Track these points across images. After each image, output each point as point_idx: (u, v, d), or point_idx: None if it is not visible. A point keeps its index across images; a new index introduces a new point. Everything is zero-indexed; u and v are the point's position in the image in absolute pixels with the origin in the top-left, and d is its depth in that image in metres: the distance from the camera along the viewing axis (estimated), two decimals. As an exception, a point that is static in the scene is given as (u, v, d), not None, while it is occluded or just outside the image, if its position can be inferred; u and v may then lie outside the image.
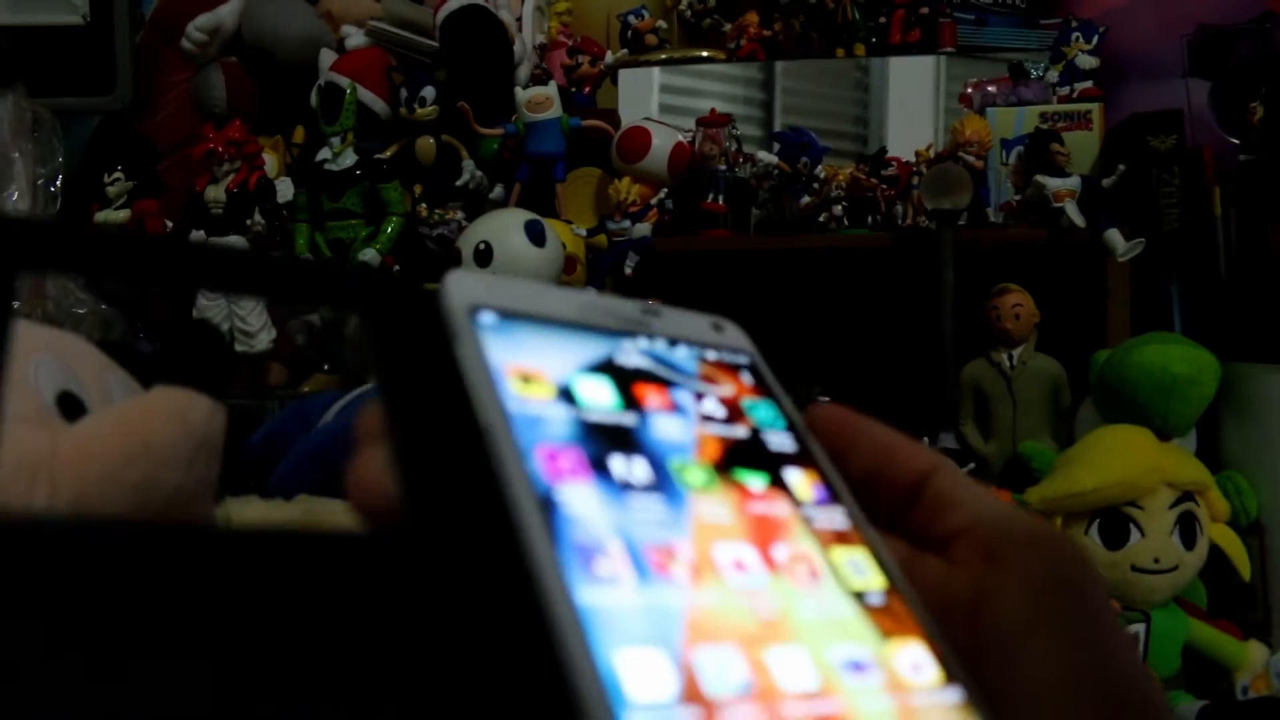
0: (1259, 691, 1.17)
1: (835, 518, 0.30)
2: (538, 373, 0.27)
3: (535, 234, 1.41)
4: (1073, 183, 1.40)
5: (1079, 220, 1.38)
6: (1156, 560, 1.16)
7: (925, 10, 1.66)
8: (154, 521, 0.20)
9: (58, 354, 0.81)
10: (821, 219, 1.54)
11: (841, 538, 0.29)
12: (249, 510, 1.05)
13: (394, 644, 0.21)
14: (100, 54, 1.66)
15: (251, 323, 1.49)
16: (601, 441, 0.27)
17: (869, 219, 1.53)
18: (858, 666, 0.26)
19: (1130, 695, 0.27)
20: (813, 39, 1.70)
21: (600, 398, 0.28)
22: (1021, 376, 1.40)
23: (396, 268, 1.50)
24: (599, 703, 0.21)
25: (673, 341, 0.32)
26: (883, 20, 1.68)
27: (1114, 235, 1.37)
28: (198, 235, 1.52)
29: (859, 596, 0.28)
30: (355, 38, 1.68)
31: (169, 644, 0.18)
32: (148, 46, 1.82)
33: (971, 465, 1.34)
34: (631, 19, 1.75)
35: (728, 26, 1.74)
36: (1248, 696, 1.17)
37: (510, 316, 0.28)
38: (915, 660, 0.27)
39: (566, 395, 0.27)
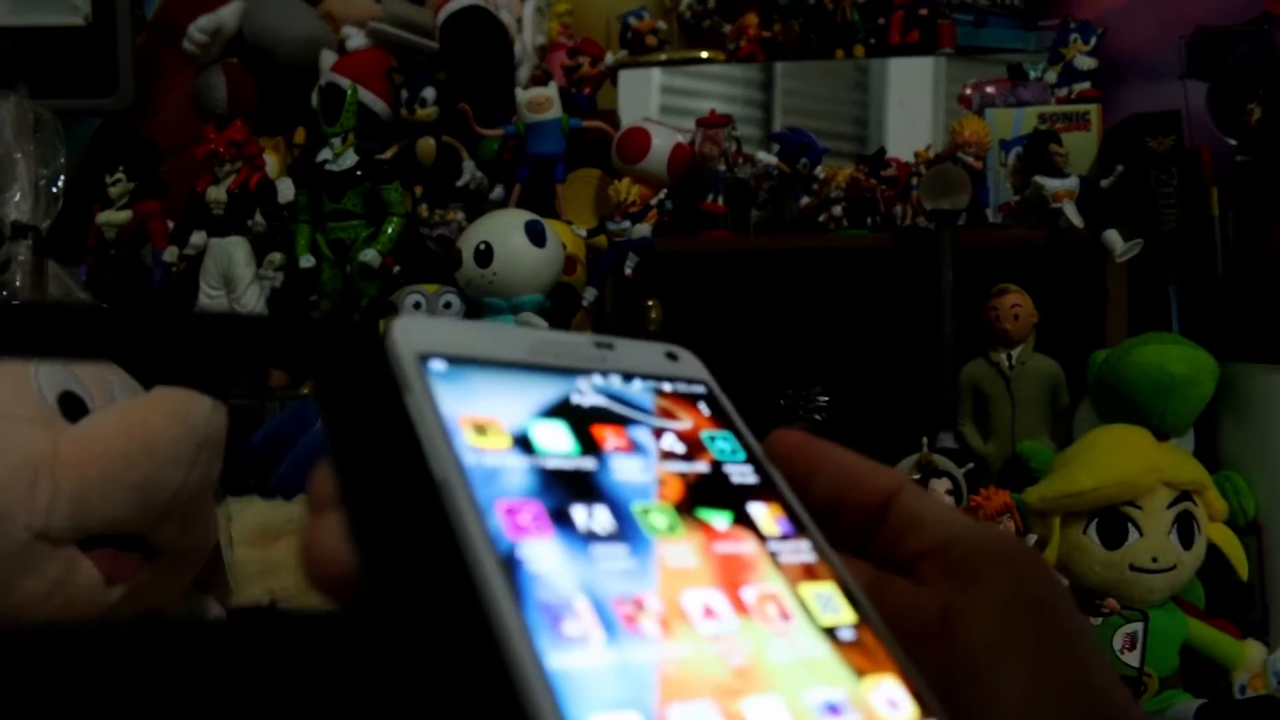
0: (1256, 690, 1.17)
1: (801, 551, 0.29)
2: (492, 421, 0.26)
3: (535, 234, 1.41)
4: (1071, 183, 1.40)
5: (1077, 221, 1.38)
6: (1155, 559, 1.16)
7: (924, 11, 1.66)
8: (118, 623, 0.19)
9: (60, 354, 0.81)
10: (821, 219, 1.54)
11: (809, 572, 0.29)
12: (250, 509, 1.06)
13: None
14: (102, 55, 1.66)
15: (252, 323, 1.50)
16: (562, 491, 0.26)
17: (868, 219, 1.53)
18: (834, 710, 0.25)
19: (1103, 709, 0.27)
20: (812, 40, 1.70)
21: (558, 443, 0.27)
22: (1020, 376, 1.40)
23: (397, 268, 1.50)
24: None
25: (628, 376, 0.31)
26: (882, 21, 1.68)
27: (1112, 236, 1.37)
28: (199, 236, 1.52)
29: (830, 633, 0.27)
30: (356, 39, 1.68)
31: None
32: (149, 47, 1.82)
33: (970, 465, 1.34)
34: (631, 20, 1.75)
35: (727, 27, 1.75)
36: (1245, 695, 1.18)
37: (461, 362, 0.27)
38: (891, 696, 0.26)
39: (523, 443, 0.26)
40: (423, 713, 0.21)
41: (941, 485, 1.26)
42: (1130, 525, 1.16)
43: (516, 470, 0.25)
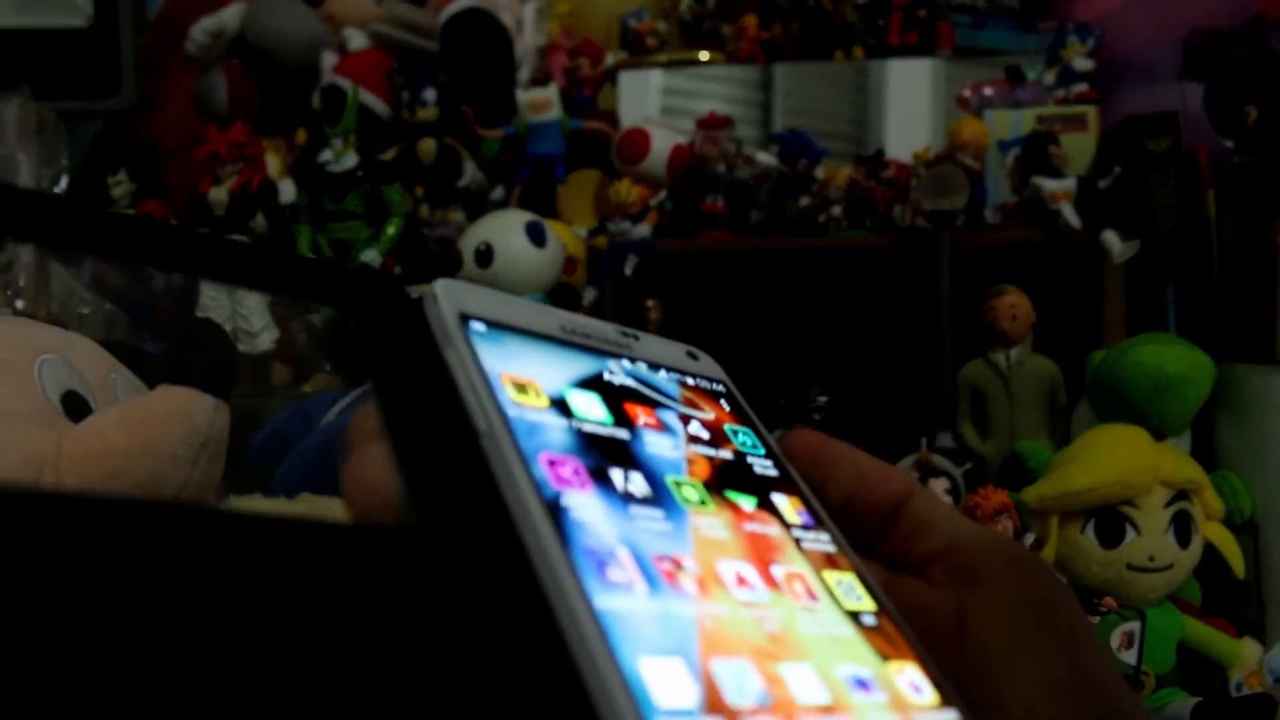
0: (1253, 688, 1.18)
1: (822, 542, 0.30)
2: (531, 382, 0.26)
3: (536, 235, 1.41)
4: (1069, 184, 1.41)
5: (1075, 222, 1.39)
6: (1152, 558, 1.16)
7: (923, 13, 1.66)
8: (165, 502, 0.19)
9: (62, 353, 0.81)
10: (820, 220, 1.54)
11: (831, 560, 0.29)
12: (252, 509, 1.06)
13: (412, 644, 0.20)
14: (104, 56, 1.67)
15: (254, 322, 1.50)
16: (599, 453, 0.26)
17: (867, 220, 1.53)
18: (863, 684, 0.26)
19: (1111, 704, 0.28)
20: (811, 41, 1.71)
21: (594, 411, 0.27)
22: (1018, 376, 1.41)
23: (397, 269, 1.50)
24: (628, 710, 0.20)
25: (653, 365, 0.31)
26: (881, 23, 1.68)
27: (1110, 236, 1.38)
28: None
29: (855, 617, 0.28)
30: (357, 40, 1.68)
31: (177, 628, 0.17)
32: (151, 49, 1.83)
33: (968, 465, 1.35)
34: (631, 21, 1.75)
35: (727, 29, 1.75)
36: (1242, 693, 1.18)
37: (498, 328, 0.27)
38: (913, 681, 0.27)
39: (561, 406, 0.27)
40: (470, 635, 0.21)
41: (940, 485, 1.26)
42: (1127, 524, 1.17)
43: (556, 428, 0.26)
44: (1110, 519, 1.17)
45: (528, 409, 0.26)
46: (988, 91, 1.58)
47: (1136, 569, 1.17)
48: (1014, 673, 0.28)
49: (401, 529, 0.23)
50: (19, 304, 1.35)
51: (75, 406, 0.81)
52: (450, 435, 0.24)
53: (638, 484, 0.26)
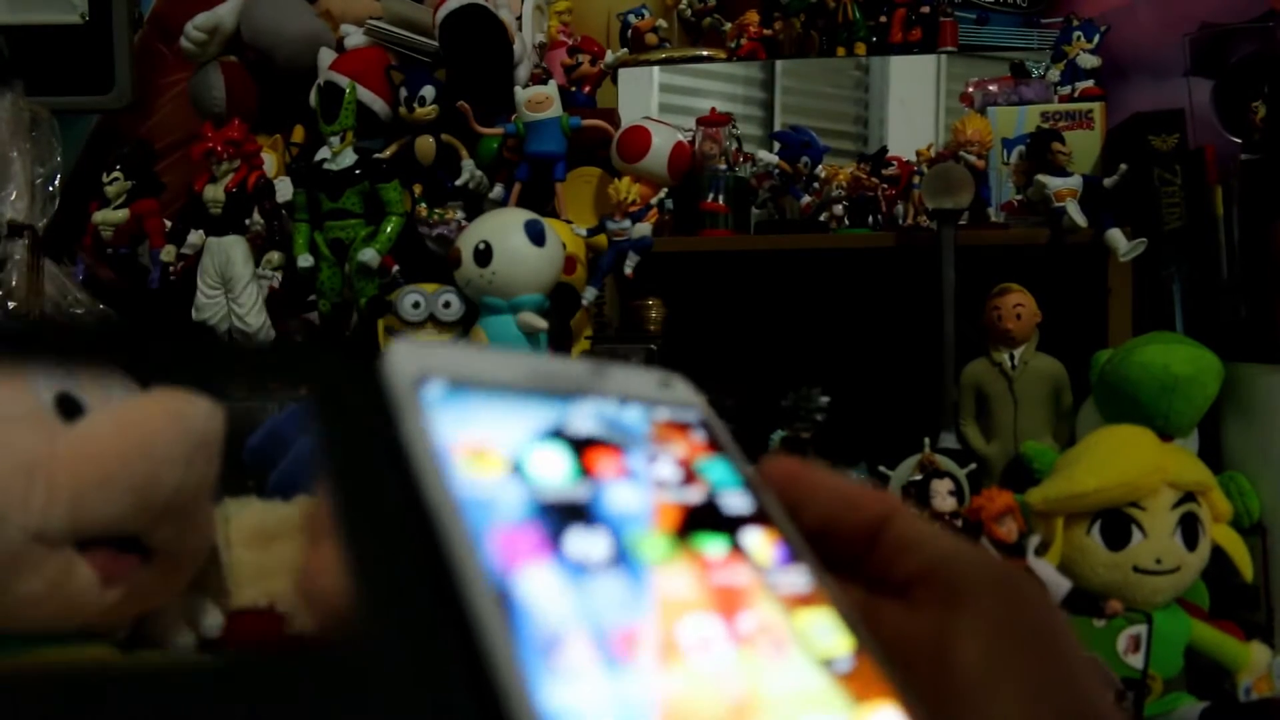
0: (1261, 693, 1.17)
1: (797, 579, 0.29)
2: (488, 447, 0.26)
3: (535, 234, 1.40)
4: (1074, 182, 1.40)
5: (1080, 220, 1.38)
6: (1159, 561, 1.15)
7: (926, 9, 1.65)
8: (110, 665, 0.20)
9: (55, 354, 0.80)
10: (822, 219, 1.53)
11: (805, 600, 0.29)
12: (247, 510, 1.05)
13: None
14: (99, 53, 1.66)
15: (250, 323, 1.49)
16: (557, 518, 0.26)
17: (870, 219, 1.52)
18: None
19: None
20: (813, 38, 1.70)
21: (553, 470, 0.27)
22: (1023, 376, 1.40)
23: (396, 267, 1.49)
24: None
25: (623, 400, 0.31)
26: (883, 19, 1.67)
27: (1116, 235, 1.37)
28: (197, 235, 1.51)
29: (827, 663, 0.27)
30: (355, 37, 1.67)
31: None
32: (146, 46, 1.82)
33: (973, 465, 1.34)
34: (631, 18, 1.74)
35: (728, 26, 1.74)
36: (1250, 698, 1.17)
37: (458, 385, 0.27)
38: None
39: (518, 470, 0.26)
40: None
41: (943, 486, 1.26)
42: (1134, 526, 1.16)
43: (511, 499, 0.25)
44: (1116, 521, 1.16)
45: (482, 480, 0.25)
46: (992, 88, 1.57)
47: (1143, 571, 1.16)
48: (995, 698, 0.27)
49: (341, 647, 0.22)
50: (12, 304, 1.34)
51: (69, 408, 0.80)
52: (407, 517, 0.24)
53: (597, 547, 0.26)
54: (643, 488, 0.29)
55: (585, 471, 0.28)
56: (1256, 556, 1.24)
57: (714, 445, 0.32)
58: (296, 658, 0.22)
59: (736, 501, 0.30)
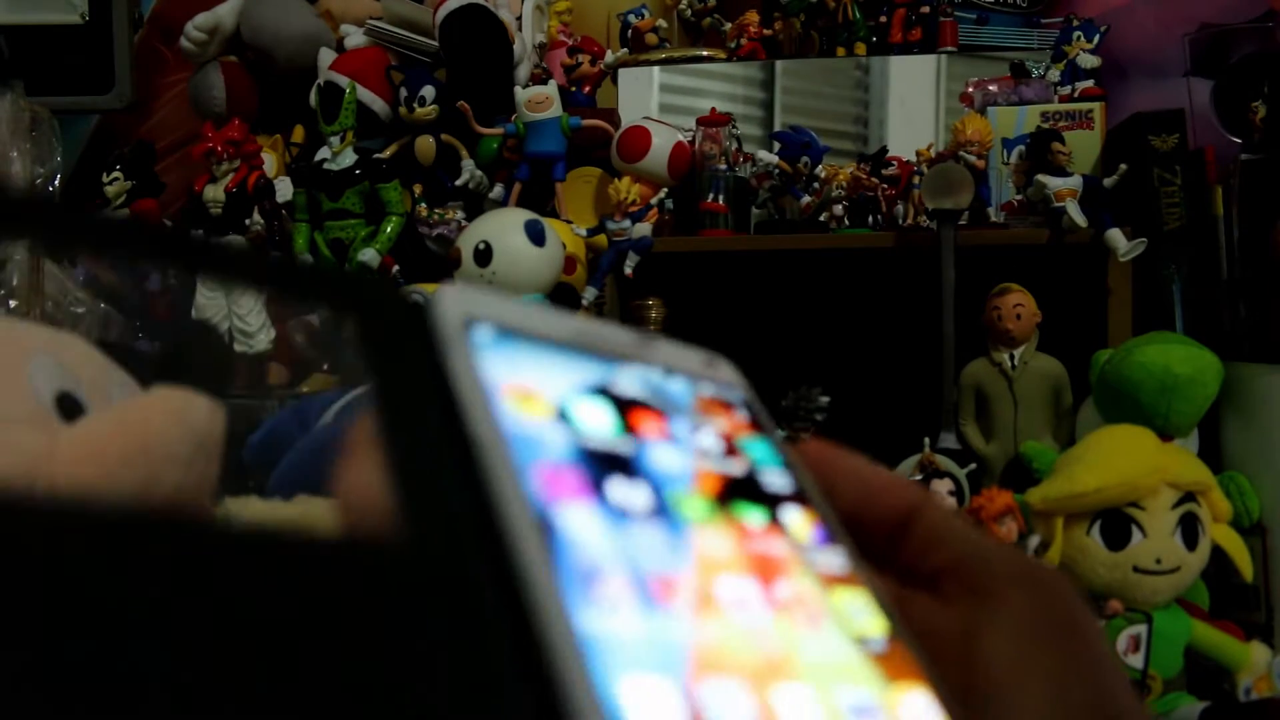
0: (1262, 693, 1.17)
1: (834, 560, 0.29)
2: (534, 391, 0.26)
3: (535, 234, 1.40)
4: (1074, 182, 1.39)
5: (1080, 220, 1.38)
6: (1158, 561, 1.15)
7: (926, 9, 1.65)
8: (150, 510, 0.19)
9: (56, 354, 0.80)
10: (822, 219, 1.53)
11: (842, 580, 0.29)
12: (248, 511, 1.05)
13: (386, 660, 0.20)
14: (99, 53, 1.66)
15: (250, 322, 1.49)
16: (599, 466, 0.26)
17: (869, 219, 1.52)
18: (863, 710, 0.25)
19: None
20: (813, 38, 1.70)
21: (598, 422, 0.27)
22: (1023, 376, 1.40)
23: (396, 267, 1.49)
24: None
25: (668, 373, 0.31)
26: (883, 19, 1.67)
27: (1116, 235, 1.37)
28: (197, 235, 1.51)
29: (861, 641, 0.27)
30: (355, 37, 1.67)
31: (153, 640, 0.17)
32: (146, 46, 1.82)
33: (972, 465, 1.34)
34: (631, 18, 1.74)
35: (728, 26, 1.74)
36: (1250, 698, 1.17)
37: (506, 333, 0.27)
38: (919, 706, 0.26)
39: (563, 416, 0.26)
40: (446, 653, 0.21)
41: (943, 486, 1.25)
42: (1134, 526, 1.16)
43: (555, 440, 0.25)
44: (1116, 521, 1.16)
45: (527, 420, 0.25)
46: (992, 88, 1.57)
47: (1143, 571, 1.16)
48: (1022, 694, 0.27)
49: (381, 545, 0.22)
50: (12, 304, 1.34)
51: (69, 408, 0.80)
52: (446, 445, 0.24)
53: (639, 498, 0.26)
54: (685, 452, 0.28)
55: (629, 429, 0.28)
56: (1256, 556, 1.24)
57: (756, 425, 0.32)
58: (332, 545, 0.21)
59: (777, 480, 0.30)
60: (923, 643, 0.28)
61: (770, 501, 0.29)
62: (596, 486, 0.25)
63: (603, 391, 0.28)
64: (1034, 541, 1.18)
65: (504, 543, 0.22)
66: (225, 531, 0.20)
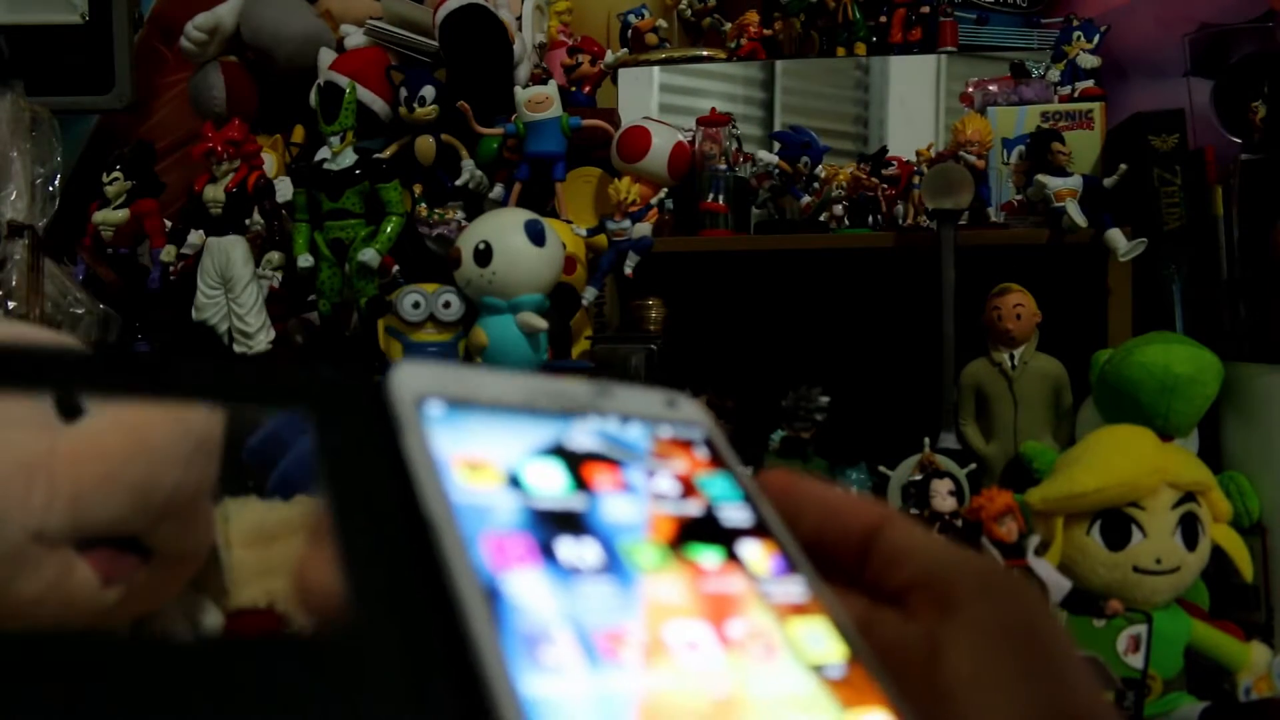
0: (1262, 693, 1.17)
1: (793, 589, 0.29)
2: (484, 460, 0.27)
3: (535, 234, 1.40)
4: (1074, 182, 1.39)
5: (1080, 220, 1.38)
6: (1158, 561, 1.15)
7: (926, 9, 1.65)
8: (108, 634, 0.20)
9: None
10: (822, 219, 1.53)
11: (800, 609, 0.29)
12: (247, 510, 1.05)
13: None
14: (99, 53, 1.66)
15: (250, 322, 1.49)
16: (550, 526, 0.26)
17: (870, 219, 1.52)
18: None
19: None
20: (813, 38, 1.70)
21: (549, 482, 0.28)
22: (1023, 376, 1.40)
23: (396, 267, 1.49)
24: None
25: (625, 419, 0.31)
26: (883, 19, 1.67)
27: (1115, 235, 1.37)
28: (197, 235, 1.51)
29: (818, 669, 0.27)
30: (355, 37, 1.67)
31: None
32: (146, 45, 1.82)
33: (973, 465, 1.34)
34: (631, 18, 1.74)
35: (728, 26, 1.74)
36: (1250, 698, 1.17)
37: (458, 404, 0.28)
38: None
39: (514, 482, 0.27)
40: None
41: (943, 486, 1.25)
42: (1134, 526, 1.16)
43: (505, 507, 0.26)
44: (1116, 521, 1.16)
45: (477, 489, 0.26)
46: (992, 88, 1.57)
47: (1143, 571, 1.16)
48: (985, 706, 0.27)
49: (325, 638, 0.23)
50: (12, 304, 1.34)
51: (69, 408, 0.80)
52: (398, 527, 0.24)
53: (588, 554, 0.26)
54: (639, 500, 0.29)
55: (581, 484, 0.28)
56: (1256, 556, 1.24)
57: (717, 461, 0.33)
58: (285, 643, 0.22)
59: (735, 514, 0.31)
60: (890, 660, 0.28)
61: (727, 538, 0.30)
62: (545, 548, 0.26)
63: (555, 450, 0.29)
64: (1034, 541, 1.18)
65: (453, 616, 0.23)
66: (182, 648, 0.21)
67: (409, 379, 0.27)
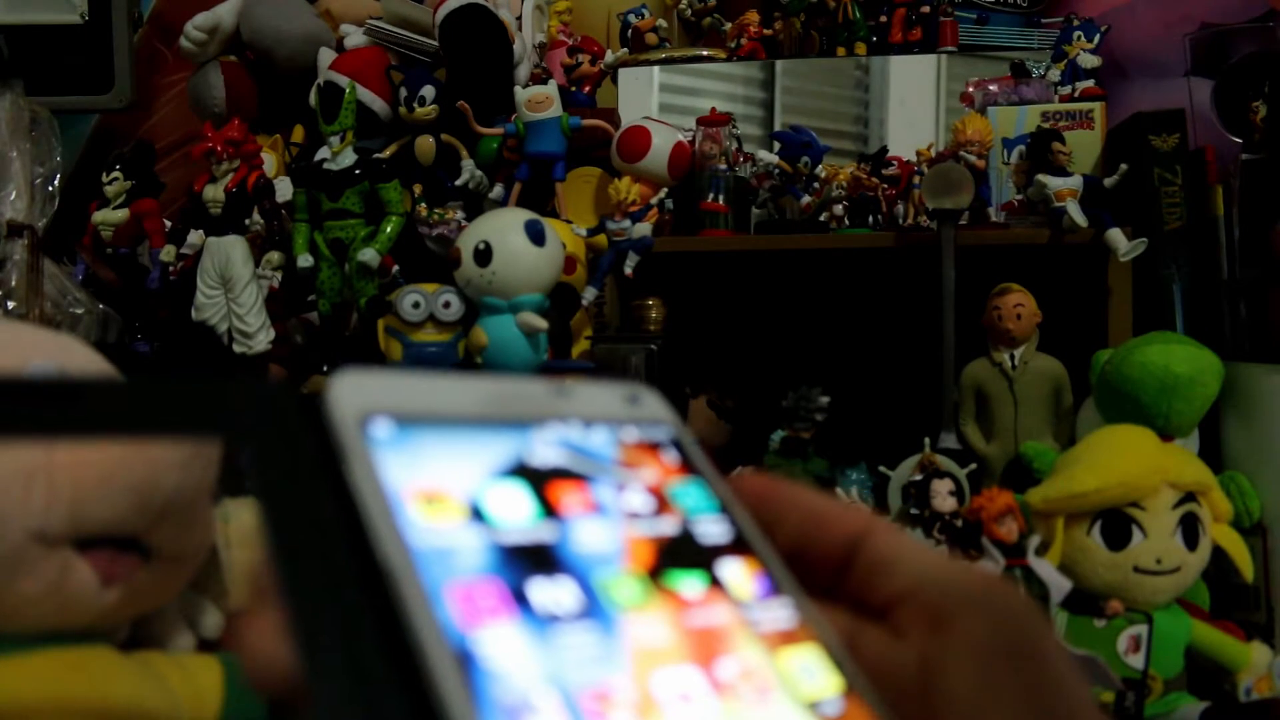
0: (1262, 693, 1.17)
1: (780, 614, 0.28)
2: (443, 491, 0.24)
3: (535, 234, 1.40)
4: (1074, 182, 1.39)
5: (1081, 220, 1.38)
6: (1159, 561, 1.15)
7: (926, 9, 1.65)
8: None
9: (54, 356, 0.80)
10: (822, 219, 1.53)
11: (789, 637, 0.28)
12: (247, 510, 1.05)
13: None
14: (98, 52, 1.66)
15: (250, 322, 1.49)
16: (521, 565, 0.24)
17: (870, 219, 1.52)
18: None
19: None
20: (813, 38, 1.70)
21: (515, 511, 0.25)
22: (1023, 376, 1.39)
23: (396, 267, 1.49)
24: None
25: (587, 423, 0.29)
26: (883, 19, 1.67)
27: (1116, 235, 1.37)
28: (196, 235, 1.51)
29: (814, 706, 0.26)
30: (354, 37, 1.67)
31: None
32: (146, 45, 1.82)
33: (973, 465, 1.34)
34: (631, 18, 1.74)
35: (728, 25, 1.74)
36: (1250, 698, 1.17)
37: (407, 421, 0.25)
38: None
39: (477, 514, 0.25)
40: None
41: (944, 486, 1.25)
42: (1134, 526, 1.16)
43: (470, 547, 0.24)
44: (1117, 521, 1.16)
45: (438, 529, 0.23)
46: (992, 88, 1.57)
47: (1144, 572, 1.15)
48: None
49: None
50: (11, 304, 1.34)
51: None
52: (358, 575, 0.22)
53: (564, 596, 0.24)
54: (612, 523, 0.27)
55: (549, 509, 0.26)
56: (1256, 556, 1.24)
57: (687, 466, 0.31)
58: None
59: (713, 529, 0.29)
60: (880, 682, 0.27)
61: (708, 559, 0.28)
62: (518, 594, 0.24)
63: (518, 469, 0.27)
64: (1034, 541, 1.18)
65: (423, 686, 0.21)
66: None
67: (350, 395, 0.24)
